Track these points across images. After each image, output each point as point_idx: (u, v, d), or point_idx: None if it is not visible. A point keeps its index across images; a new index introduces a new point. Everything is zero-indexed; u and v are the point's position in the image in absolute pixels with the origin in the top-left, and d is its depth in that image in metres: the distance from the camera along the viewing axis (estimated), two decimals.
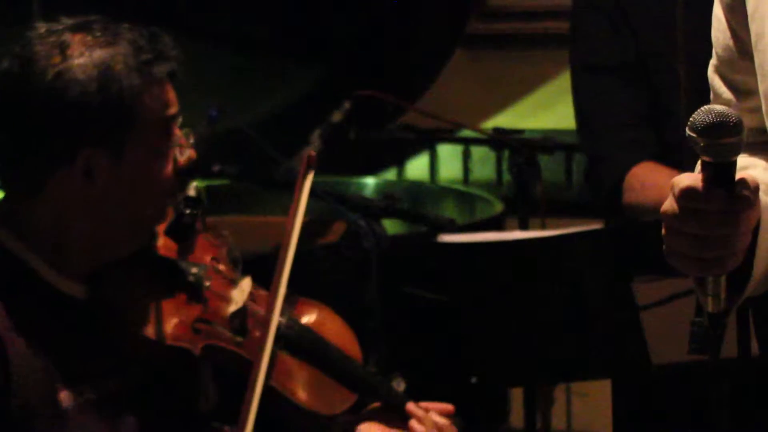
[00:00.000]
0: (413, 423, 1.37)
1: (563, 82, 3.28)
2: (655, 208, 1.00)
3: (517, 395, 2.49)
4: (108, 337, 1.60)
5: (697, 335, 1.00)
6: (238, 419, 1.41)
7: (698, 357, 1.04)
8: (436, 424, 1.41)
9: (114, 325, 1.58)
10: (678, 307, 1.67)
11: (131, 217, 1.38)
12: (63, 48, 1.27)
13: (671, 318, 1.70)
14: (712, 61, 1.02)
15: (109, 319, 1.55)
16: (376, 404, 1.50)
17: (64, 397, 1.36)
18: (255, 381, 1.41)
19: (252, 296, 1.57)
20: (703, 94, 1.06)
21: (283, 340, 1.50)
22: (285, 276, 1.51)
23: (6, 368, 1.27)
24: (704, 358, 1.06)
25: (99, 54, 1.27)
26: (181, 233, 1.55)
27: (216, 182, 2.62)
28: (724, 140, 0.74)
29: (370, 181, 2.93)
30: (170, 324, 1.56)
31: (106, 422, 1.44)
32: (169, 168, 1.36)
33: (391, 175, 3.33)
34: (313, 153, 1.48)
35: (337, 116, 2.50)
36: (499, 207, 3.41)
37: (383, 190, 2.64)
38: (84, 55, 1.26)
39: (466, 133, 3.75)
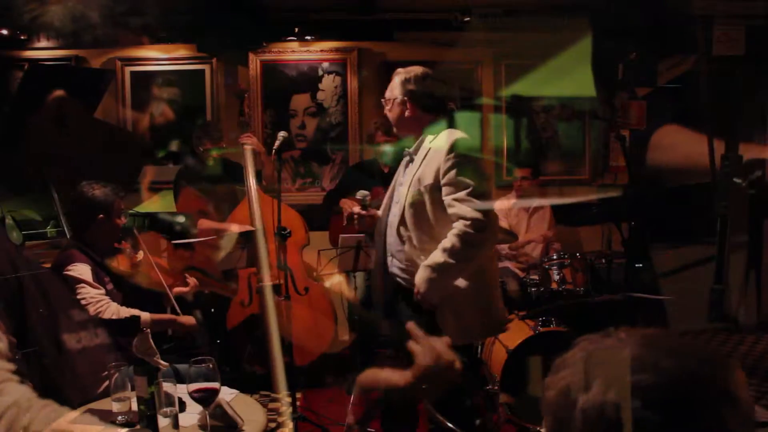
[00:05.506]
0: (412, 344, 1.40)
1: (581, 50, 3.27)
2: (679, 169, 0.99)
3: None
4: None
5: (716, 303, 0.99)
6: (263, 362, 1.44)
7: (718, 324, 1.03)
8: (433, 349, 1.43)
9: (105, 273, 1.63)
10: (697, 275, 1.67)
11: (107, 166, 1.38)
12: None
13: (690, 285, 1.70)
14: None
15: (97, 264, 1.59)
16: (383, 351, 1.54)
17: (66, 339, 1.39)
18: (269, 329, 1.47)
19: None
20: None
21: (285, 291, 1.56)
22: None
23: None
24: (724, 325, 1.06)
25: (75, 2, 1.25)
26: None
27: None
28: None
29: (389, 149, 2.92)
30: (162, 272, 1.62)
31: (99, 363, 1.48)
32: (145, 122, 1.35)
33: (409, 142, 3.33)
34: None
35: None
36: (516, 174, 3.42)
37: (402, 157, 2.62)
38: (60, 3, 1.25)
39: (484, 100, 3.75)
